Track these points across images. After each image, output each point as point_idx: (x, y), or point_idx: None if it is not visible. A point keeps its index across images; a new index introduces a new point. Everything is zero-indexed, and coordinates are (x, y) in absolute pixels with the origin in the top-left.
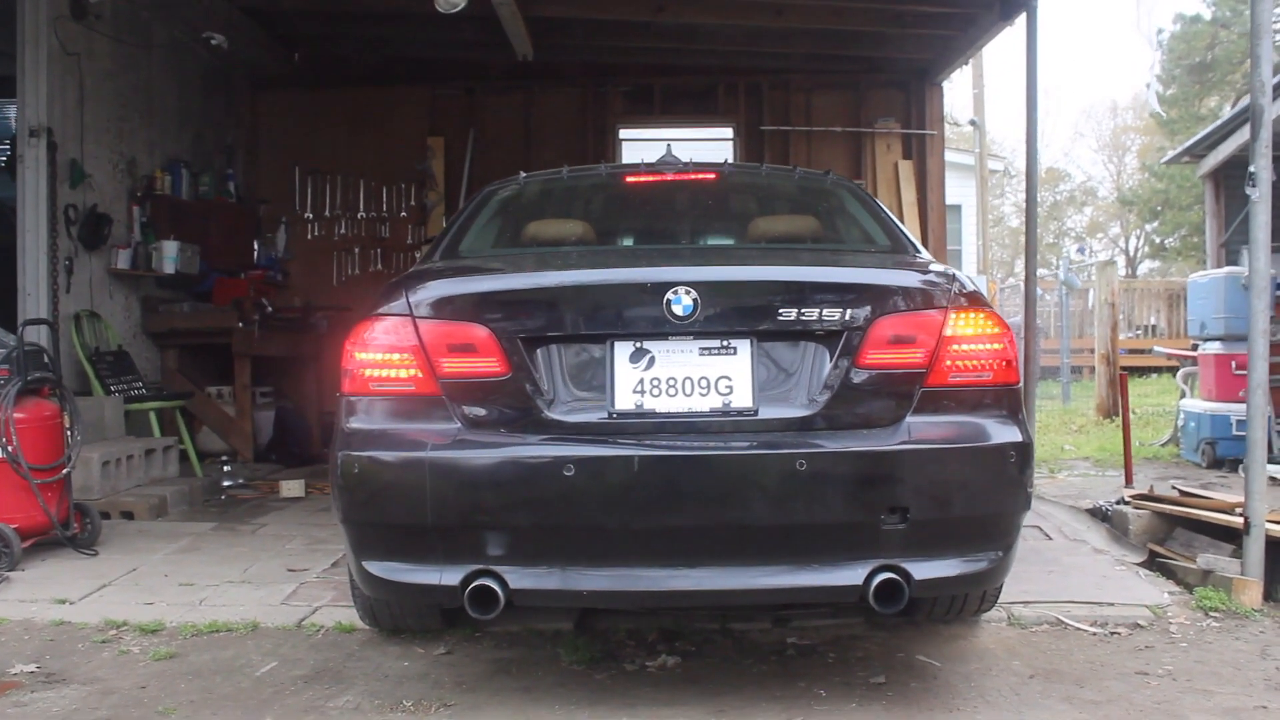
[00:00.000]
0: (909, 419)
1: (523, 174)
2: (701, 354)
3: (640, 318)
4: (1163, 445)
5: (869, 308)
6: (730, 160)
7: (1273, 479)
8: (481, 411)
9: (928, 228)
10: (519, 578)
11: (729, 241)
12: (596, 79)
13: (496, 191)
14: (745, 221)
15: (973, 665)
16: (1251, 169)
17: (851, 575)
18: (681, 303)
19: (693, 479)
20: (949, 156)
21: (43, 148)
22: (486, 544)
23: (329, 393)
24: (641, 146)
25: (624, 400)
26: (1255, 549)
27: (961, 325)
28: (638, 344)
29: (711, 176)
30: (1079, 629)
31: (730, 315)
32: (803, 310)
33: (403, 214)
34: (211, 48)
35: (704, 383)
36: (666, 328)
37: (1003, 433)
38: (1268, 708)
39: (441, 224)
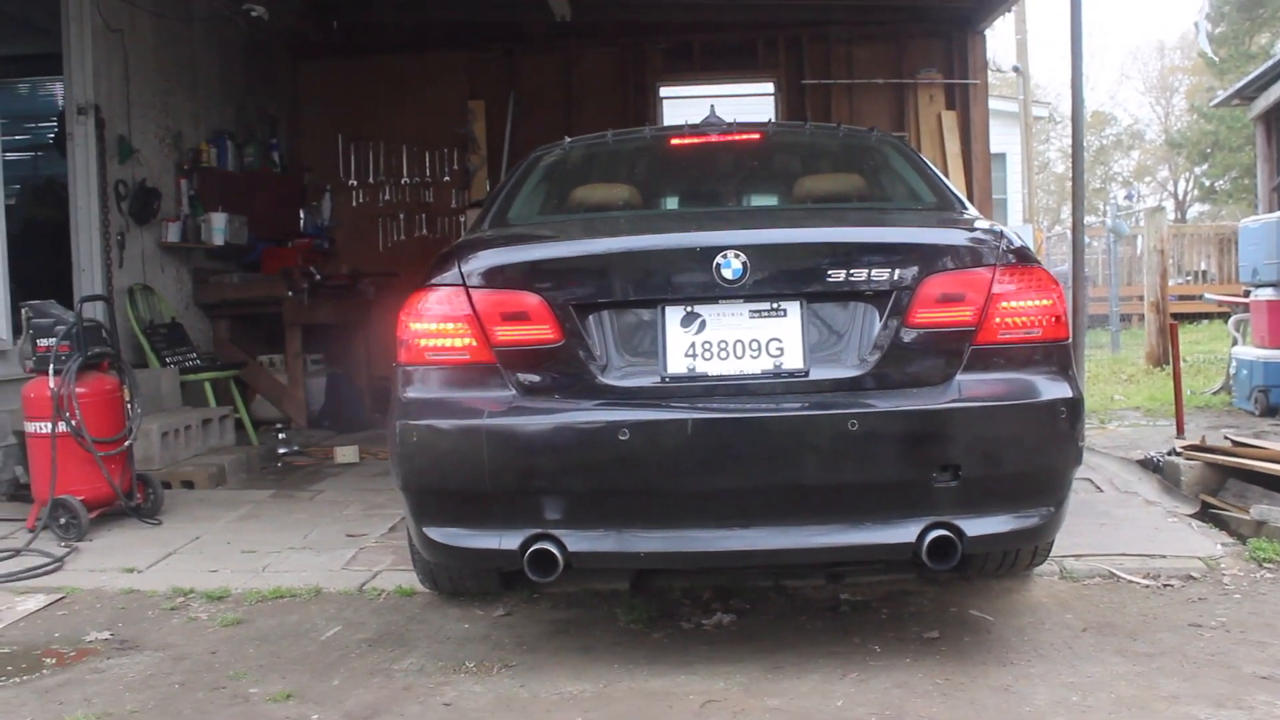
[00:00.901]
0: (959, 377)
1: (568, 139)
2: (752, 316)
3: (690, 282)
4: (1214, 394)
5: (917, 267)
6: (773, 118)
7: None
8: (536, 378)
9: (972, 179)
10: (576, 541)
11: (775, 201)
12: (635, 38)
13: (542, 157)
14: (791, 181)
15: (1025, 619)
16: None
17: (904, 533)
18: (731, 266)
19: (746, 441)
20: (993, 104)
21: (91, 125)
22: (544, 509)
23: (379, 358)
24: (682, 104)
25: (676, 364)
26: None
27: (1010, 282)
28: (688, 308)
29: (756, 137)
30: (1131, 581)
31: (779, 277)
32: (851, 271)
33: (446, 178)
34: (251, 20)
35: (755, 345)
36: (716, 291)
37: (1053, 389)
38: None
39: (485, 187)
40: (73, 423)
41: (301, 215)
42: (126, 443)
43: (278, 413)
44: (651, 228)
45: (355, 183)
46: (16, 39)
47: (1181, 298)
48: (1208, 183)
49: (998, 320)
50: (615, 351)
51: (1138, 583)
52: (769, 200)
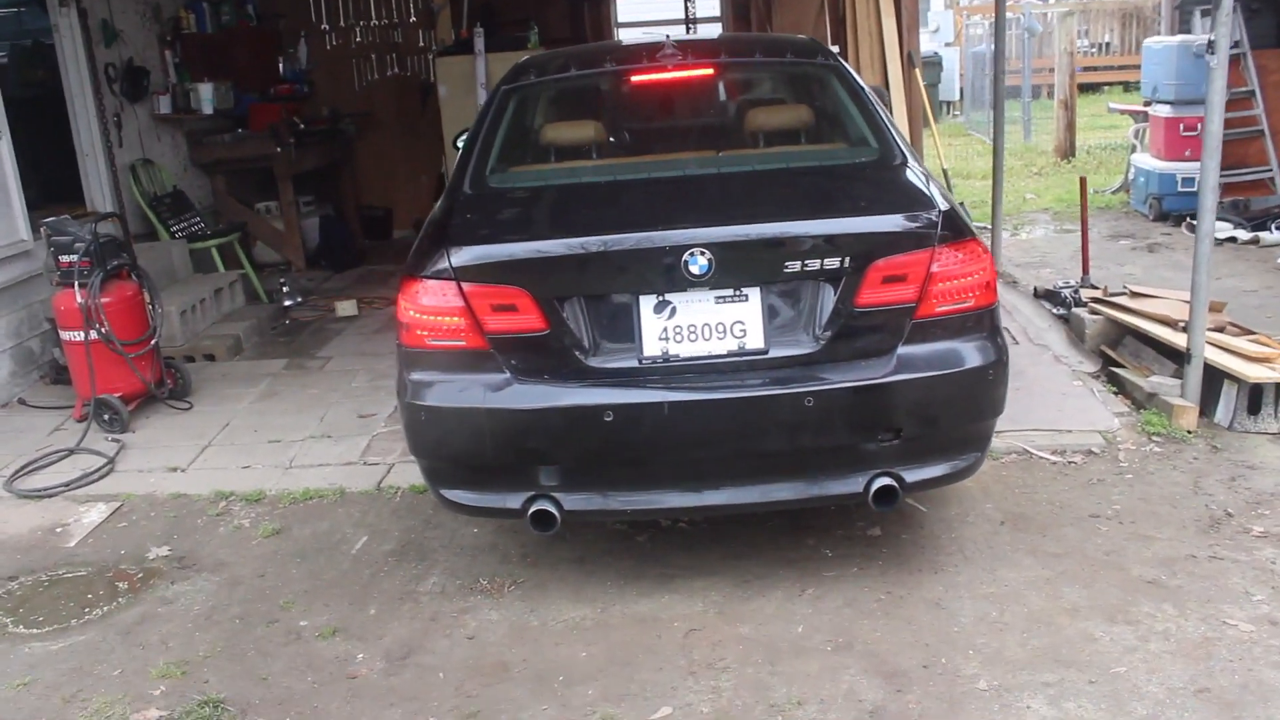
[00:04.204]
0: (900, 350)
1: (532, 71)
2: (718, 302)
3: (662, 275)
4: (1114, 193)
5: (865, 253)
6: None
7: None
8: (527, 362)
9: (901, 6)
10: (572, 501)
11: (730, 142)
12: None
13: (512, 93)
14: (743, 120)
15: (953, 510)
16: (1211, 37)
17: (853, 484)
18: (698, 262)
19: (715, 418)
20: None
21: (74, 15)
22: (540, 475)
23: (365, 189)
24: None
25: (651, 347)
26: (1194, 376)
27: (947, 260)
28: (660, 296)
29: (710, 72)
30: (1041, 458)
31: (741, 268)
32: (806, 260)
33: (412, 19)
34: None
35: (720, 328)
36: (685, 283)
37: (983, 354)
38: (1195, 556)
39: (449, 29)
40: (102, 330)
41: (280, 62)
42: (152, 341)
43: (278, 256)
44: (625, 225)
45: (327, 26)
46: None
47: (1086, 69)
48: None
49: (935, 295)
50: (597, 337)
51: (1047, 460)
52: (724, 143)
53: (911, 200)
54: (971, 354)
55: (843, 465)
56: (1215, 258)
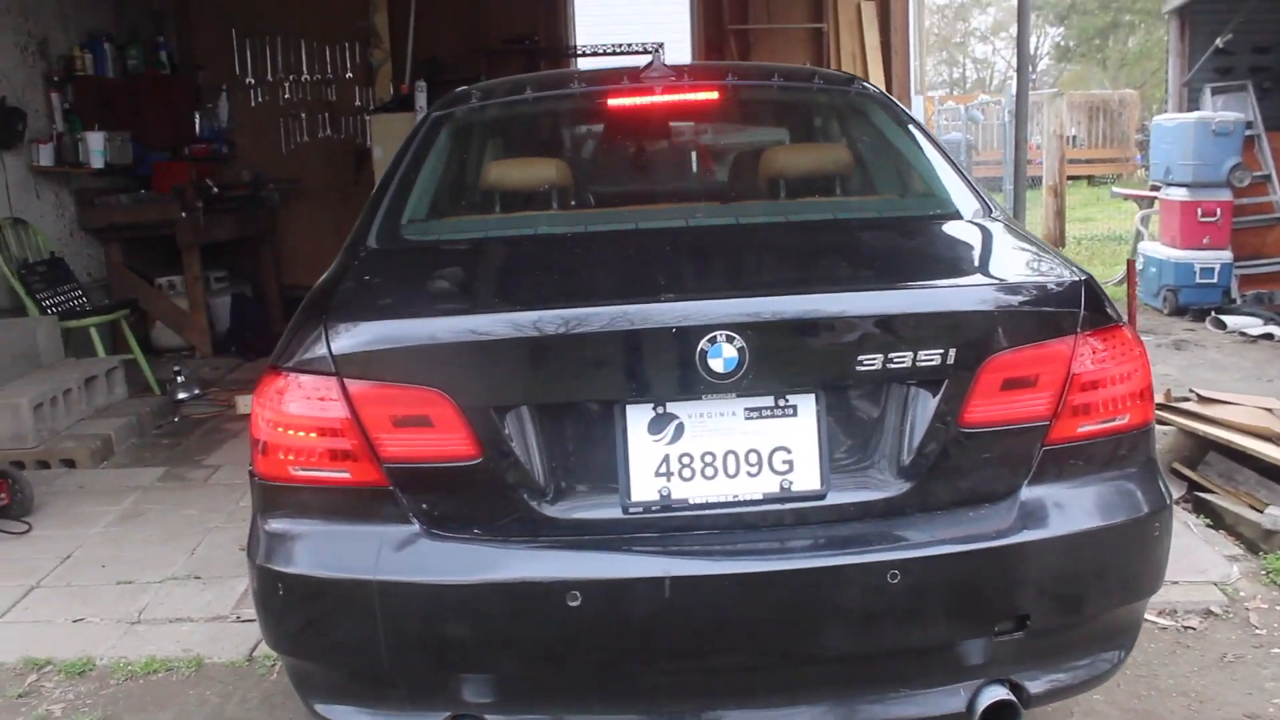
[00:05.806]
0: (1025, 491)
1: (475, 94)
2: (749, 417)
3: (662, 372)
4: (1116, 284)
5: (977, 342)
6: (728, 65)
7: (1242, 333)
8: (447, 508)
9: (892, 74)
10: None
11: (743, 196)
12: None
13: (444, 121)
14: (761, 167)
15: (1050, 705)
16: None
17: (952, 700)
18: (722, 355)
19: (742, 602)
20: None
21: None
22: (463, 688)
23: (288, 266)
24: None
25: (643, 488)
26: None
27: (1092, 354)
28: (660, 408)
29: (714, 96)
30: (1149, 621)
31: (788, 364)
32: (891, 354)
33: (348, 75)
34: None
35: (753, 457)
36: (701, 386)
37: (1144, 498)
38: None
39: (388, 85)
40: None
41: (197, 118)
42: None
43: (180, 340)
44: (602, 290)
45: (253, 80)
46: None
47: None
48: (1062, 43)
49: (1077, 408)
50: (558, 470)
51: (1155, 624)
52: (736, 200)
53: (1037, 266)
54: (1130, 498)
55: (938, 673)
56: (1256, 356)
